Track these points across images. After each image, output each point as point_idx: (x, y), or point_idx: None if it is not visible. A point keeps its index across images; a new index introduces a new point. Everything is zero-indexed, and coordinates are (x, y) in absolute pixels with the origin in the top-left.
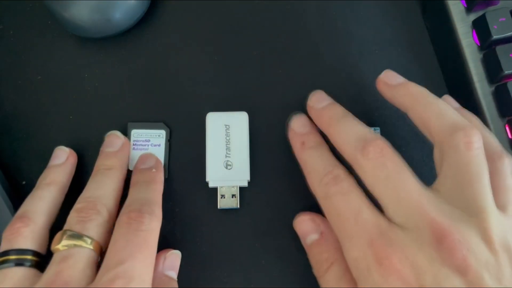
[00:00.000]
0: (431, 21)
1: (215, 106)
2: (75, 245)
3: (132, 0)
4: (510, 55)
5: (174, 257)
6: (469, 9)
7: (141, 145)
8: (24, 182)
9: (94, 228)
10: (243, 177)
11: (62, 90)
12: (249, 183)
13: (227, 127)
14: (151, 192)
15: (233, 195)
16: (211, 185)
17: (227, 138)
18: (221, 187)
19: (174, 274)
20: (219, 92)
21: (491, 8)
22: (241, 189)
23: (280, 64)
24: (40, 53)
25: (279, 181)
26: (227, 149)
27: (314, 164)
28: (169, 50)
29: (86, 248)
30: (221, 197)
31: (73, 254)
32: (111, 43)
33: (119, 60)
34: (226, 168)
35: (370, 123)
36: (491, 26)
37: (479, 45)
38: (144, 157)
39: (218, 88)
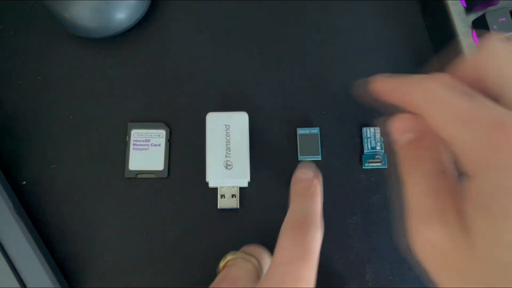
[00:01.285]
0: (431, 21)
1: (215, 106)
2: None
3: (132, 0)
4: None
5: None
6: (469, 9)
7: (141, 145)
8: (24, 182)
9: None
10: (243, 177)
11: (62, 90)
12: (249, 183)
13: (227, 127)
14: (314, 204)
15: (233, 195)
16: (211, 185)
17: (227, 138)
18: (221, 187)
19: None
20: (219, 92)
21: (491, 8)
22: (241, 189)
23: (280, 64)
24: (40, 53)
25: (279, 181)
26: (227, 149)
27: None
28: (169, 50)
29: None
30: (221, 197)
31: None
32: (111, 43)
33: (119, 60)
34: (226, 168)
35: (370, 123)
36: (491, 26)
37: (479, 45)
38: (305, 168)
39: (218, 88)
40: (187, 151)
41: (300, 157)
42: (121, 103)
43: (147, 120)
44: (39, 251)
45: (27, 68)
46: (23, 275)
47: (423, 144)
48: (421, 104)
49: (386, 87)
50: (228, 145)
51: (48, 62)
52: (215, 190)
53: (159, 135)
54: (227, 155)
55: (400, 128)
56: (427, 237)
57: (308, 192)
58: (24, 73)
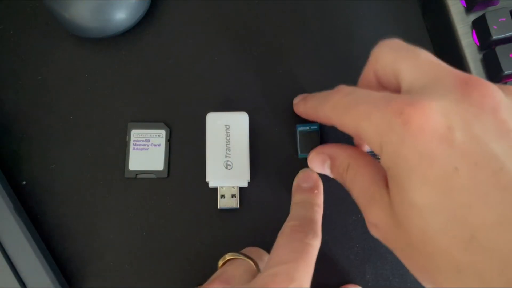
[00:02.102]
0: (431, 21)
1: (215, 106)
2: None
3: (132, 0)
4: (510, 55)
5: None
6: (469, 9)
7: (141, 145)
8: (24, 182)
9: None
10: (243, 177)
11: (62, 90)
12: (249, 183)
13: (227, 127)
14: (314, 214)
15: (233, 195)
16: (211, 185)
17: (227, 138)
18: (221, 187)
19: None
20: (219, 92)
21: (491, 8)
22: (241, 189)
23: (280, 64)
24: (40, 53)
25: (279, 181)
26: (227, 149)
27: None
28: (169, 50)
29: None
30: (221, 197)
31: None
32: (111, 43)
33: (119, 60)
34: (226, 168)
35: None
36: (491, 26)
37: (479, 45)
38: (306, 175)
39: (218, 88)
40: (187, 151)
41: (300, 155)
42: (121, 103)
43: (147, 120)
44: (39, 251)
45: (27, 68)
46: (23, 275)
47: (338, 161)
48: (330, 114)
49: (303, 108)
50: (228, 145)
51: (48, 62)
52: (215, 190)
53: (159, 135)
54: (227, 155)
55: (318, 164)
56: (371, 221)
57: (309, 203)
58: (24, 73)
